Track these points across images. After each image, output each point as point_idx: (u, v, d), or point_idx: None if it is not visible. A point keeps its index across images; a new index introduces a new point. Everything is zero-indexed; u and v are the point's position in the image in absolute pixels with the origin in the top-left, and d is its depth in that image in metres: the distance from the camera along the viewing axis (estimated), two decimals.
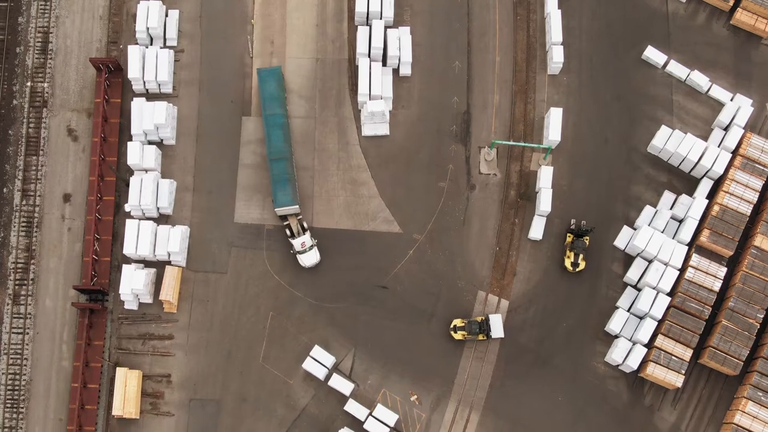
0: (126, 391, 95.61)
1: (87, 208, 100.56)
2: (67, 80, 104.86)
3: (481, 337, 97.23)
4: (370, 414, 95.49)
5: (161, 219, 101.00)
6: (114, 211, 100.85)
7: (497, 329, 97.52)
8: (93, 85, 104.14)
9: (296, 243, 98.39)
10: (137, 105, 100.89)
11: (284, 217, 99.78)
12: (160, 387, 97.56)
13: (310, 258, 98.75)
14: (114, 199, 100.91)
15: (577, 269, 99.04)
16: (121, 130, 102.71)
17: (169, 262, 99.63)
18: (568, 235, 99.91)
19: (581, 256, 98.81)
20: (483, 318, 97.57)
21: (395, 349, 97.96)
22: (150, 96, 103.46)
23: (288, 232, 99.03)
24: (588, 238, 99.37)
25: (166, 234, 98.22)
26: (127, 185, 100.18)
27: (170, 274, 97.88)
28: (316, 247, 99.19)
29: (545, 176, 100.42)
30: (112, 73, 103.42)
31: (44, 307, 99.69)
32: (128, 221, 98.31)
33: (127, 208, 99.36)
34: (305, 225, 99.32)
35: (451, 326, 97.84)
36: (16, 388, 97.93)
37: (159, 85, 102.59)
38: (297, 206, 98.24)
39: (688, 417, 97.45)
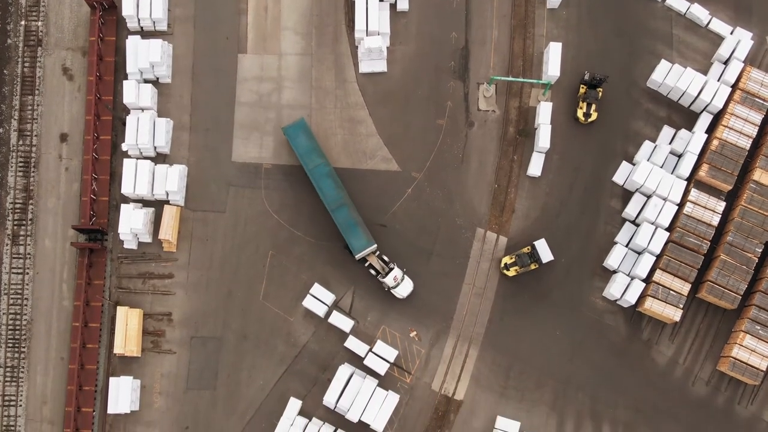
0: (127, 330, 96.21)
1: (84, 148, 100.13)
2: (62, 18, 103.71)
3: (533, 266, 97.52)
4: (370, 350, 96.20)
5: (159, 158, 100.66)
6: (111, 151, 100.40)
7: (546, 254, 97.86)
8: (87, 23, 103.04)
9: (388, 281, 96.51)
10: (132, 43, 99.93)
11: (363, 260, 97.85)
12: (161, 325, 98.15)
13: (405, 288, 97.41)
14: (111, 139, 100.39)
15: (589, 119, 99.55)
16: (117, 68, 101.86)
17: (167, 202, 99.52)
18: (581, 86, 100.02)
19: (594, 106, 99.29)
20: (529, 248, 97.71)
21: None
22: (145, 34, 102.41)
23: (373, 271, 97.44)
24: (601, 89, 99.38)
25: (164, 173, 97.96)
26: (124, 124, 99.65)
27: (169, 214, 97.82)
28: (406, 275, 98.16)
29: (544, 112, 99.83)
30: (106, 10, 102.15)
31: (43, 247, 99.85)
32: (126, 160, 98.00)
33: (124, 147, 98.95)
34: (385, 258, 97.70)
35: (502, 266, 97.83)
36: (17, 327, 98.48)
37: (154, 22, 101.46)
38: (375, 245, 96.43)
39: (686, 351, 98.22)
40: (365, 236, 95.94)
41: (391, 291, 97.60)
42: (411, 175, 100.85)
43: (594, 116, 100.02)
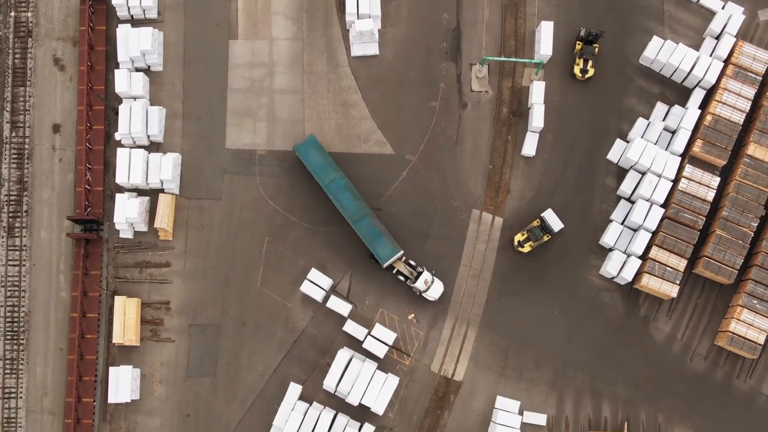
0: (125, 319, 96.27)
1: (77, 138, 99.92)
2: (51, 9, 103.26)
3: (546, 237, 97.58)
4: (369, 333, 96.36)
5: (152, 147, 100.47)
6: (104, 140, 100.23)
7: (556, 223, 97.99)
8: (77, 13, 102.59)
9: (419, 285, 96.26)
10: (123, 32, 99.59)
11: (390, 266, 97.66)
12: (160, 314, 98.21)
13: (437, 290, 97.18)
14: (104, 128, 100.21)
15: (586, 76, 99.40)
16: (108, 57, 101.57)
17: (162, 190, 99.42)
18: (578, 42, 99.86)
19: (590, 62, 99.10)
20: (538, 221, 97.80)
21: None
22: (135, 22, 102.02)
23: (401, 277, 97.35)
24: (597, 45, 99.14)
25: (158, 161, 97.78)
26: (117, 113, 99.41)
27: (164, 202, 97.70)
28: (435, 276, 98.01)
29: (537, 91, 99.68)
30: (95, 0, 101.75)
31: (39, 239, 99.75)
32: (119, 150, 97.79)
33: (117, 136, 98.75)
34: (412, 262, 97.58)
35: (515, 244, 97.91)
36: (16, 320, 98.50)
37: (144, 10, 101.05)
38: (401, 251, 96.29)
39: (684, 326, 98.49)
40: (390, 243, 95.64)
41: (423, 295, 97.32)
42: (405, 158, 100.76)
43: (591, 72, 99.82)
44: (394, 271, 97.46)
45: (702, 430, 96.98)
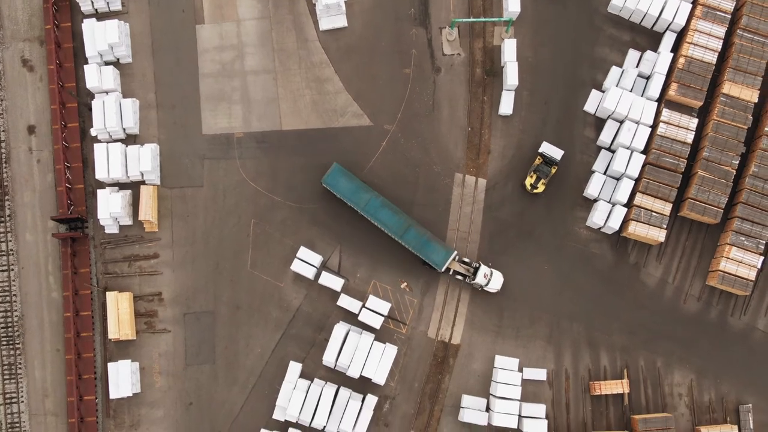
0: (119, 314, 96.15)
1: (53, 138, 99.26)
2: (14, 10, 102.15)
3: (554, 170, 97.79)
4: (363, 306, 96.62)
5: (129, 139, 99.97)
6: (81, 137, 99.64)
7: (556, 152, 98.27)
8: (41, 12, 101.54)
9: (479, 280, 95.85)
10: (88, 26, 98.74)
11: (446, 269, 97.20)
12: (153, 306, 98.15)
13: (497, 281, 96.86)
14: (79, 125, 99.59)
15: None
16: (76, 54, 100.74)
17: (143, 182, 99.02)
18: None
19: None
20: (539, 158, 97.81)
21: (381, 241, 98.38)
22: (100, 15, 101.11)
23: (459, 276, 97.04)
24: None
25: (136, 154, 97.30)
26: (90, 109, 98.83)
27: (146, 194, 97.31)
28: (493, 268, 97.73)
29: (509, 49, 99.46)
30: None
31: (25, 242, 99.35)
32: (96, 145, 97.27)
33: (93, 132, 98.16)
34: (466, 259, 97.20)
35: (528, 189, 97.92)
36: (9, 325, 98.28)
37: (107, 3, 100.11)
38: (454, 251, 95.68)
39: (674, 269, 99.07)
40: (442, 247, 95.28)
41: (484, 289, 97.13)
42: (384, 128, 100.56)
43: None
44: (450, 272, 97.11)
45: (701, 371, 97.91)
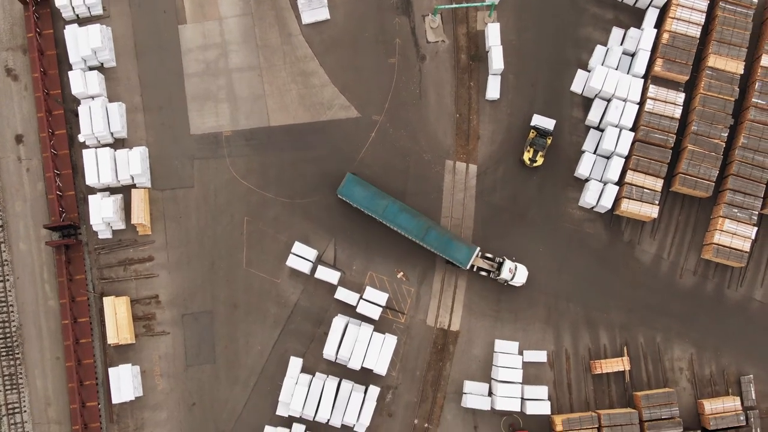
0: (117, 319, 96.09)
1: (41, 146, 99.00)
2: None
3: (549, 140, 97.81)
4: (361, 297, 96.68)
5: (117, 143, 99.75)
6: (69, 144, 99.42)
7: (548, 122, 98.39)
8: (22, 21, 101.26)
9: (505, 274, 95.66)
10: (71, 32, 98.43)
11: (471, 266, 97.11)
12: (150, 308, 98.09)
13: (522, 275, 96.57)
14: (66, 132, 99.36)
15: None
16: (60, 60, 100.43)
17: (134, 185, 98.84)
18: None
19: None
20: (532, 131, 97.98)
21: (375, 232, 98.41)
22: (81, 21, 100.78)
23: (484, 273, 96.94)
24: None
25: (125, 157, 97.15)
26: (77, 115, 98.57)
27: (138, 197, 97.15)
28: (517, 262, 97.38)
29: (493, 33, 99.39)
30: (39, 4, 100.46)
31: (19, 252, 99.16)
32: (85, 151, 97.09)
33: (81, 138, 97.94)
34: (489, 255, 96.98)
35: (528, 163, 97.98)
36: (8, 335, 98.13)
37: (88, 7, 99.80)
38: (477, 248, 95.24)
39: (668, 245, 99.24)
40: (464, 245, 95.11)
41: (509, 283, 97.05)
42: (372, 119, 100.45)
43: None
44: (474, 269, 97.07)
45: (700, 344, 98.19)
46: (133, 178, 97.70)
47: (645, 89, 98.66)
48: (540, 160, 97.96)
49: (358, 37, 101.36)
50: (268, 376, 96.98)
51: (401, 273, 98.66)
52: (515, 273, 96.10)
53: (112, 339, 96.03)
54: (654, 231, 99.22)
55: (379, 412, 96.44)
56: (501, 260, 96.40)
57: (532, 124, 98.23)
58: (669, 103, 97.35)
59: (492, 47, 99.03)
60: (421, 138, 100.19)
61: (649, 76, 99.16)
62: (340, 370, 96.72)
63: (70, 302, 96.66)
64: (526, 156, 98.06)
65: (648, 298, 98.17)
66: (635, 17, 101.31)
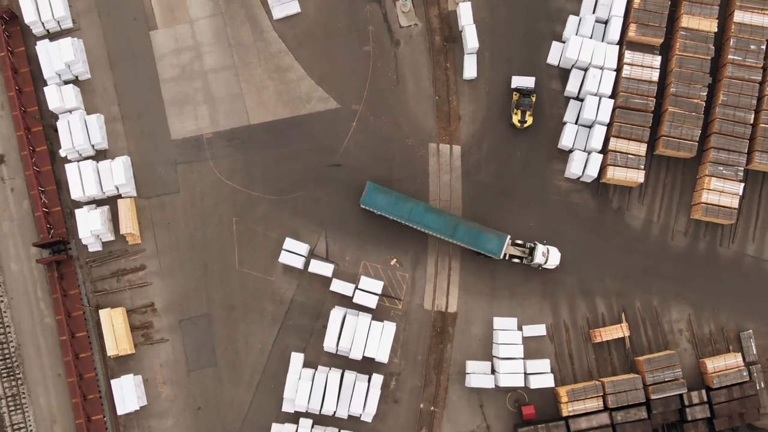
0: (115, 330, 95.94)
1: (23, 164, 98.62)
2: None
3: (533, 97, 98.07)
4: (357, 287, 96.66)
5: (99, 155, 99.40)
6: (51, 160, 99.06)
7: (528, 81, 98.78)
8: None
9: (538, 259, 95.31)
10: (42, 48, 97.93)
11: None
12: (147, 317, 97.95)
13: (555, 257, 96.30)
14: (47, 148, 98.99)
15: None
16: (34, 77, 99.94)
17: (119, 196, 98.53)
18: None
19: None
20: (516, 93, 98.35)
21: (364, 221, 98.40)
22: (53, 36, 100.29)
23: (516, 260, 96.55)
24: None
25: (108, 168, 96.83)
26: (56, 130, 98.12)
27: (124, 207, 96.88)
28: (548, 246, 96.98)
29: (465, 13, 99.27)
30: (8, 23, 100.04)
31: (11, 272, 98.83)
32: (67, 166, 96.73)
33: (62, 153, 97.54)
34: (519, 241, 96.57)
35: (517, 125, 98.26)
36: (7, 356, 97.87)
37: (58, 22, 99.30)
38: (507, 236, 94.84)
39: (657, 208, 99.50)
40: (494, 235, 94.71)
41: (543, 267, 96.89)
42: (352, 109, 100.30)
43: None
44: (506, 257, 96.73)
45: (697, 304, 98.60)
46: (118, 189, 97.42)
47: (621, 55, 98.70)
48: (530, 120, 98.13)
49: (331, 27, 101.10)
50: (271, 374, 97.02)
51: (394, 260, 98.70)
52: (548, 256, 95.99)
53: (111, 351, 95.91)
54: (642, 196, 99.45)
55: (385, 400, 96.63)
56: (532, 245, 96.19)
57: (513, 86, 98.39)
58: (646, 67, 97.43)
59: (465, 27, 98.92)
60: (403, 123, 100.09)
61: (624, 42, 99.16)
62: (342, 362, 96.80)
63: (66, 318, 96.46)
64: (515, 119, 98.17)
65: (641, 262, 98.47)
66: None
